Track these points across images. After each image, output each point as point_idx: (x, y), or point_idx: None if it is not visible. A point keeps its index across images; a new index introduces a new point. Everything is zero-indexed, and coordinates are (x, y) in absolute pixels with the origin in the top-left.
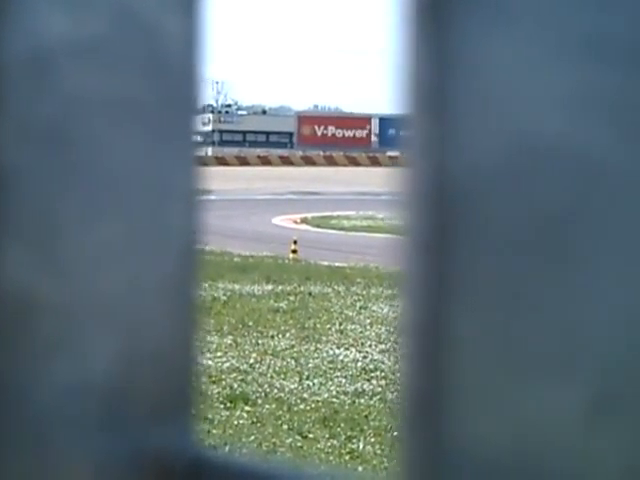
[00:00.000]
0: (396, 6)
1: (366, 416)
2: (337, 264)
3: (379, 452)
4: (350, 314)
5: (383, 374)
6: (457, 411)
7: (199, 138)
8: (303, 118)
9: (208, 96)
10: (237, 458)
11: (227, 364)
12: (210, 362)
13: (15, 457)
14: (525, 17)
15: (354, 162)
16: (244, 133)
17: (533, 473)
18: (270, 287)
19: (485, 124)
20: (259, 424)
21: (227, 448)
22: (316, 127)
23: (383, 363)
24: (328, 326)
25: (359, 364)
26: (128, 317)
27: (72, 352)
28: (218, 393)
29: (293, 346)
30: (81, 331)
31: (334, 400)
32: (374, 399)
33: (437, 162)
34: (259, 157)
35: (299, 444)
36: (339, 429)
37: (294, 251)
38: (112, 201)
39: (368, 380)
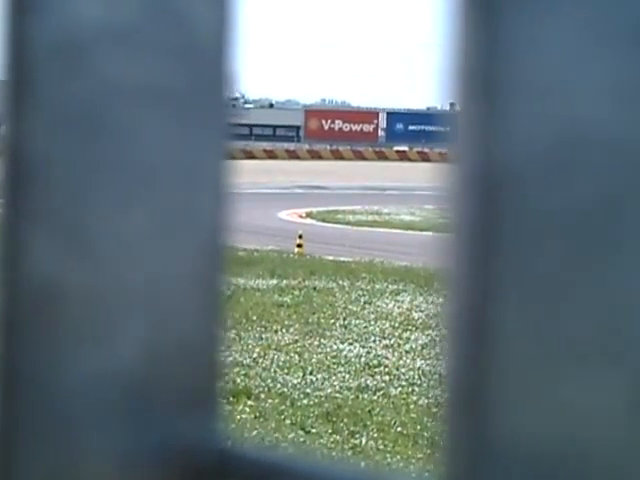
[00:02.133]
0: None
1: (369, 411)
2: (342, 259)
3: (382, 447)
4: (354, 309)
5: (387, 369)
6: (501, 405)
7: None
8: (310, 112)
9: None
10: (264, 451)
11: (230, 358)
12: None
13: (41, 444)
14: (575, 6)
15: (361, 156)
16: (250, 126)
17: (577, 465)
18: (274, 281)
19: (535, 113)
20: (262, 419)
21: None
22: (323, 121)
23: (387, 358)
24: (332, 321)
25: (363, 359)
26: (156, 307)
27: (99, 340)
28: (221, 387)
29: (297, 341)
30: (109, 320)
31: (337, 395)
32: (377, 394)
33: (486, 151)
34: (265, 151)
35: (302, 439)
36: (342, 424)
37: (299, 245)
38: (142, 189)
39: (372, 375)
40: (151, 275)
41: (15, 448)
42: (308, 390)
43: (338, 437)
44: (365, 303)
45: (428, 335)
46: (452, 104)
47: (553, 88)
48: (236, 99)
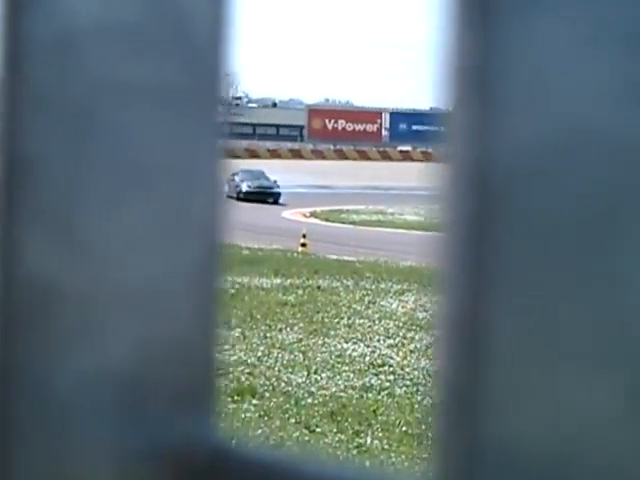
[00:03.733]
0: None
1: (374, 410)
2: (346, 258)
3: (386, 447)
4: (359, 308)
5: (391, 369)
6: (495, 406)
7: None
8: (314, 111)
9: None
10: (258, 450)
11: (235, 357)
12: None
13: (35, 443)
14: (569, 6)
15: (364, 156)
16: (254, 126)
17: (571, 467)
18: (279, 280)
19: (530, 110)
20: (266, 417)
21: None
22: (327, 121)
23: (391, 358)
24: (336, 320)
25: (367, 358)
26: (150, 306)
27: (93, 340)
28: (225, 386)
29: (301, 340)
30: (102, 319)
31: (342, 394)
32: (382, 394)
33: (481, 148)
34: (269, 150)
35: (306, 438)
36: (347, 423)
37: (303, 245)
38: (137, 188)
39: (376, 375)
40: (146, 274)
41: (10, 447)
42: (312, 389)
43: (342, 436)
44: (369, 302)
45: (432, 335)
46: (450, 104)
47: (549, 86)
48: (239, 98)
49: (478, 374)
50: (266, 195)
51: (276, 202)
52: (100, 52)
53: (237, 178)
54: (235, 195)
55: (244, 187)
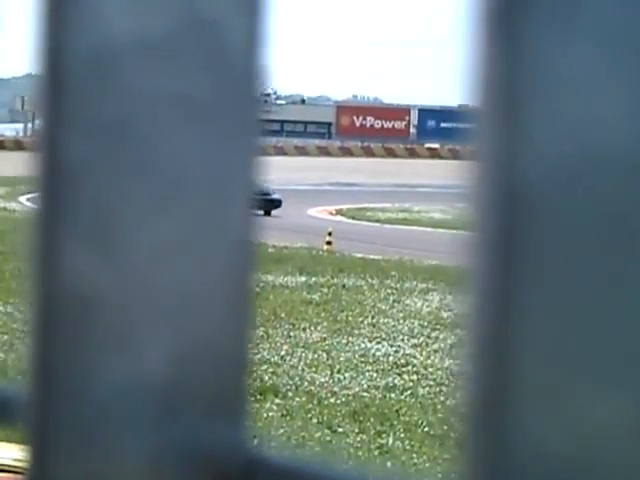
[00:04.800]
0: (471, 5)
1: (397, 411)
2: (371, 257)
3: (409, 448)
4: (383, 307)
5: (415, 369)
6: (522, 411)
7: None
8: (342, 108)
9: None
10: (291, 459)
11: (258, 356)
12: None
13: (70, 453)
14: (596, 20)
15: (392, 153)
16: (282, 122)
17: (595, 474)
18: (303, 279)
19: (555, 126)
20: (288, 417)
21: (256, 441)
22: (355, 118)
23: (415, 358)
24: (360, 319)
25: (391, 358)
26: (184, 314)
27: (128, 349)
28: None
29: (325, 339)
30: (137, 328)
31: (365, 394)
32: (405, 394)
33: (507, 161)
34: (296, 147)
35: (328, 438)
36: (369, 424)
37: (328, 243)
38: (173, 197)
39: (399, 375)
40: (179, 283)
41: (47, 456)
42: (335, 389)
43: (365, 437)
44: (394, 301)
45: (457, 335)
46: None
47: (575, 106)
48: (268, 95)
49: (504, 378)
50: (264, 203)
51: (269, 212)
52: (136, 65)
53: None
54: None
55: None
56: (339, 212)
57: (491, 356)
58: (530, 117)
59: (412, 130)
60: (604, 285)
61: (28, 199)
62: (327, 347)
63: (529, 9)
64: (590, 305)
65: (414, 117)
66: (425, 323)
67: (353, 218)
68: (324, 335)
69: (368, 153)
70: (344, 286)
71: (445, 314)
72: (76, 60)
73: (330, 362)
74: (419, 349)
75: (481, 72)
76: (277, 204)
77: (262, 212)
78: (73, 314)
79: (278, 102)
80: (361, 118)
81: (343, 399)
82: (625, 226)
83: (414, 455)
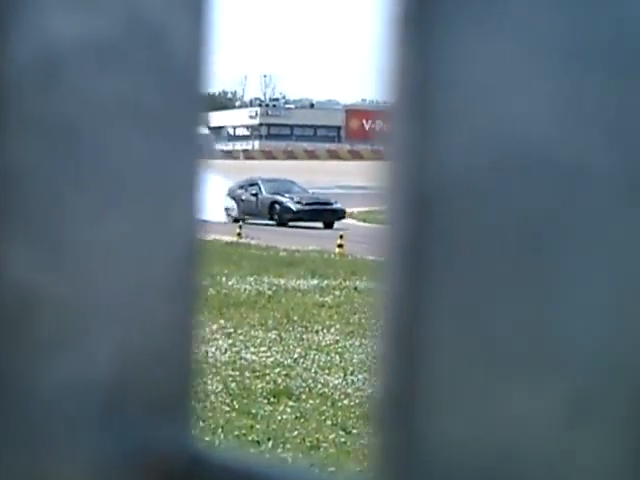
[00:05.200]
0: (383, 6)
1: None
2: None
3: None
4: None
5: None
6: (431, 412)
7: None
8: (351, 112)
9: (256, 89)
10: (236, 457)
11: (271, 359)
12: (254, 357)
13: (15, 454)
14: (512, 20)
15: None
16: (291, 127)
17: (507, 475)
18: (315, 282)
19: (466, 126)
20: (302, 419)
21: (270, 444)
22: (364, 121)
23: None
24: (373, 321)
25: None
26: (130, 315)
27: (74, 350)
28: (262, 388)
29: (338, 341)
30: (83, 328)
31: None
32: None
33: (417, 161)
34: (306, 151)
35: (342, 439)
36: None
37: (340, 245)
38: (117, 200)
39: None
40: (126, 284)
41: None
42: (349, 391)
43: None
44: None
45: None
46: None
47: (487, 103)
48: (277, 99)
49: (414, 379)
50: (326, 214)
51: (331, 225)
52: (81, 70)
53: (263, 190)
54: (273, 216)
55: (292, 205)
56: (350, 215)
57: (399, 356)
58: (444, 118)
59: None
60: (517, 284)
61: None
62: (340, 349)
63: (445, 9)
64: (496, 305)
65: None
66: None
67: (364, 221)
68: (337, 337)
69: (378, 156)
70: (356, 289)
71: None
72: (19, 65)
73: (343, 364)
74: None
75: (395, 73)
76: (341, 215)
77: (322, 224)
78: (17, 314)
79: (287, 106)
80: (370, 121)
81: (357, 401)
82: (530, 227)
83: None
